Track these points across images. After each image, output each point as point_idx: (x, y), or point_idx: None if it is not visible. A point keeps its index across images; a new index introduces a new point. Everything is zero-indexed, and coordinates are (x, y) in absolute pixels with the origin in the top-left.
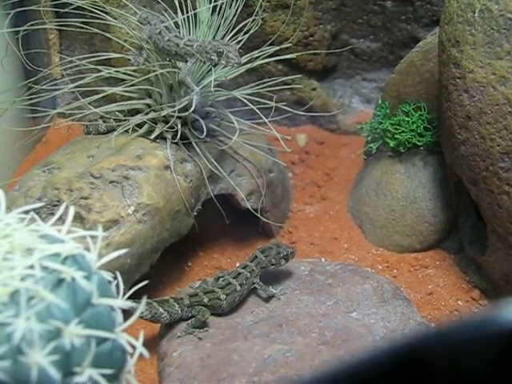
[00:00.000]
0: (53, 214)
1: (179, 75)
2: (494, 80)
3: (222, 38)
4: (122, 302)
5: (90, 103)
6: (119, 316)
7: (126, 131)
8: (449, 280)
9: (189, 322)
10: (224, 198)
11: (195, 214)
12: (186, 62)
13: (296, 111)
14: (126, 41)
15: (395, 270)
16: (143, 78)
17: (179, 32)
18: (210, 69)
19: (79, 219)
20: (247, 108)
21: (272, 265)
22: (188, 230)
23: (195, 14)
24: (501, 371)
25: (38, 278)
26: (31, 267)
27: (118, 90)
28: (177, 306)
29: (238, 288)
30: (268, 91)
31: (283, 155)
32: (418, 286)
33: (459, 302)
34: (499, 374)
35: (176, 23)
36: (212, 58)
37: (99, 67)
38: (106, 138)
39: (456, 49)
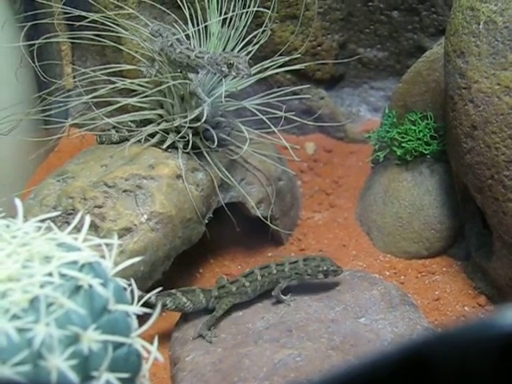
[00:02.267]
0: (68, 223)
1: (190, 86)
2: (498, 90)
3: (232, 50)
4: (137, 308)
5: (102, 114)
6: (134, 322)
7: (139, 141)
8: (455, 286)
9: (204, 321)
10: (234, 206)
11: (206, 221)
12: (197, 73)
13: (304, 120)
14: (137, 52)
15: (403, 277)
16: (156, 89)
17: (190, 44)
18: (221, 79)
19: (93, 227)
20: (256, 118)
21: (308, 275)
22: (199, 238)
23: (206, 26)
24: (501, 373)
25: (56, 285)
26: (50, 275)
27: (131, 101)
28: (201, 295)
29: (259, 278)
30: (277, 101)
31: (292, 164)
32: (425, 292)
33: (466, 308)
34: (500, 375)
35: (187, 35)
36: (222, 69)
37: (112, 78)
38: (119, 148)
39: (461, 59)
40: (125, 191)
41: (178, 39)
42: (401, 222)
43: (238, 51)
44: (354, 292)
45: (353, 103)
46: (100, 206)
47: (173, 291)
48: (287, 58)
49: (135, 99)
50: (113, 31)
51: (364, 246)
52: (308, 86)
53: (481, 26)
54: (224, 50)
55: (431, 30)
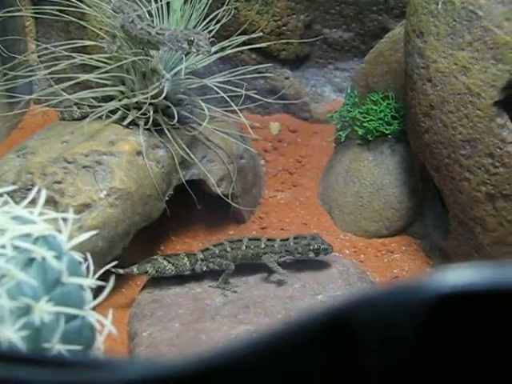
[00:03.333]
0: (26, 198)
1: (151, 63)
2: (455, 70)
3: (194, 27)
4: (90, 281)
5: (64, 90)
6: (89, 295)
7: (100, 117)
8: (414, 264)
9: (220, 279)
10: (196, 184)
11: (167, 198)
12: (158, 49)
13: (268, 99)
14: (100, 29)
15: (362, 255)
16: (116, 65)
17: (152, 21)
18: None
19: (52, 203)
20: (221, 96)
21: (298, 253)
22: (159, 215)
23: (168, 3)
24: (426, 337)
25: (9, 257)
26: (2, 247)
27: (91, 76)
28: (186, 258)
29: (244, 248)
30: (241, 79)
31: (256, 143)
32: (384, 271)
33: None
34: (424, 341)
35: (149, 12)
36: (183, 46)
37: (74, 54)
38: (79, 124)
39: (420, 39)
40: (84, 167)
41: (139, 15)
42: (361, 202)
43: (201, 29)
44: (313, 269)
45: (317, 83)
46: (59, 182)
47: (154, 257)
48: (249, 36)
49: (93, 75)
50: (76, 7)
51: (325, 225)
52: (272, 65)
53: (439, 6)
54: (186, 27)
55: (396, 11)
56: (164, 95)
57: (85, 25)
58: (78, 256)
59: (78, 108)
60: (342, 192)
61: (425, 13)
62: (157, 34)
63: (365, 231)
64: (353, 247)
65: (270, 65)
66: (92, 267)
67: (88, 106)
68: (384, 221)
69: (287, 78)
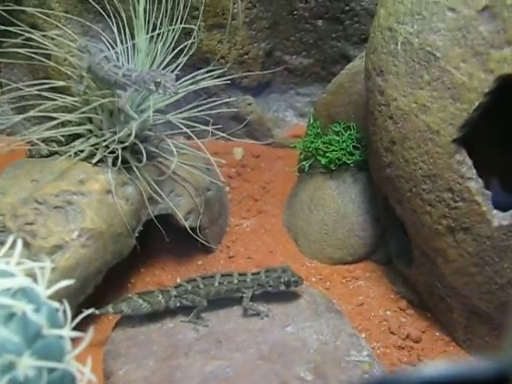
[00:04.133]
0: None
1: (119, 103)
2: (415, 108)
3: (161, 64)
4: (70, 333)
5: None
6: (68, 343)
7: (69, 155)
8: (378, 291)
9: (191, 314)
10: (164, 217)
11: (136, 235)
12: (125, 90)
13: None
14: (65, 60)
15: (328, 282)
16: (87, 107)
17: (118, 61)
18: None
19: (25, 245)
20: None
21: (270, 286)
22: (130, 251)
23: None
24: None
25: None
26: None
27: (60, 115)
28: (160, 296)
29: (216, 284)
30: (205, 108)
31: (221, 170)
32: (349, 298)
33: (388, 313)
34: None
35: (114, 49)
36: (150, 87)
37: (44, 93)
38: (48, 163)
39: (381, 77)
40: (55, 207)
41: (106, 57)
42: (326, 229)
43: (167, 65)
44: (281, 300)
45: (279, 109)
46: (31, 223)
47: (129, 295)
48: (214, 68)
49: (64, 115)
50: (42, 48)
51: (291, 253)
52: (235, 92)
53: (398, 47)
54: (152, 65)
55: (354, 38)
56: (133, 136)
57: (51, 64)
58: (54, 304)
59: (46, 145)
60: (306, 220)
61: (384, 52)
62: (123, 75)
63: (330, 258)
64: (319, 274)
65: (233, 93)
66: (69, 312)
67: (56, 143)
68: (348, 248)
69: (249, 105)
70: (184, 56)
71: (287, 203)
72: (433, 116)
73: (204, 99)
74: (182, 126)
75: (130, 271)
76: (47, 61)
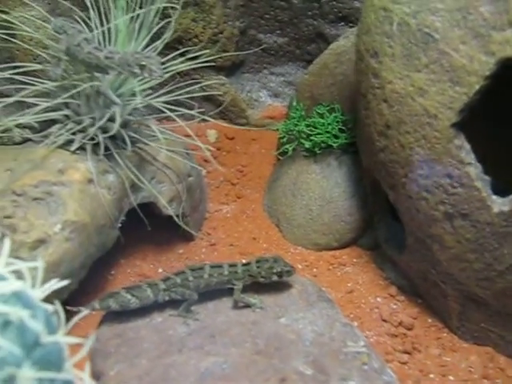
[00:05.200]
0: None
1: (100, 88)
2: (412, 91)
3: (144, 49)
4: (70, 339)
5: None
6: (65, 349)
7: (43, 141)
8: (366, 277)
9: (181, 307)
10: (144, 205)
11: (119, 225)
12: (107, 73)
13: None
14: (31, 40)
15: (315, 269)
16: (67, 95)
17: (98, 43)
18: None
19: (4, 240)
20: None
21: (262, 277)
22: (113, 243)
23: (109, 22)
24: None
25: None
26: None
27: (36, 101)
28: (148, 290)
29: (206, 276)
30: (178, 88)
31: (195, 154)
32: (338, 285)
33: (378, 299)
34: None
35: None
36: (134, 71)
37: (16, 77)
38: (21, 149)
39: (375, 59)
40: (35, 199)
41: (85, 38)
42: (311, 215)
43: (144, 48)
44: (272, 291)
45: (253, 89)
46: (10, 217)
47: (116, 290)
48: (192, 48)
49: (38, 99)
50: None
51: (274, 239)
52: (209, 72)
53: (394, 27)
54: (131, 46)
55: (331, 16)
56: (118, 123)
57: (13, 41)
58: (47, 306)
59: (19, 132)
60: (289, 205)
61: (379, 33)
62: (106, 58)
63: (315, 244)
64: (304, 261)
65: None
66: (62, 315)
67: (29, 129)
68: (334, 233)
69: (223, 85)
70: (163, 38)
71: (268, 188)
72: (431, 99)
73: (178, 81)
74: (165, 110)
75: (109, 263)
76: (14, 40)
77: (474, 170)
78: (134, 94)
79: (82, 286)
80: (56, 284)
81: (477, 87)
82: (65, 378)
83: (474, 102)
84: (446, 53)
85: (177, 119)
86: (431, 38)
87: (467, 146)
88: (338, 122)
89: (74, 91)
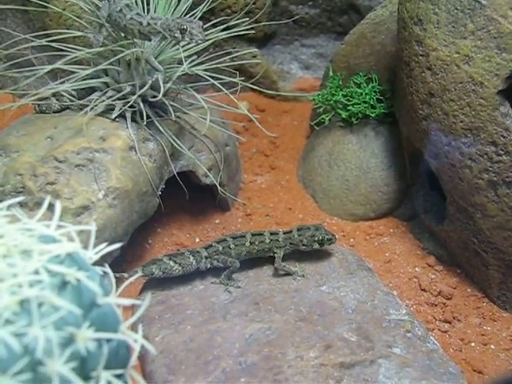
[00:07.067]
0: (19, 203)
1: (144, 54)
2: (457, 59)
3: (184, 14)
4: (127, 301)
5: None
6: (120, 312)
7: (81, 109)
8: (404, 247)
9: (223, 275)
10: (182, 175)
11: (159, 193)
12: (150, 40)
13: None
14: (64, 9)
15: (352, 239)
16: (104, 59)
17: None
18: (167, 45)
19: (48, 206)
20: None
21: (303, 245)
22: (154, 210)
23: None
24: None
25: (43, 283)
26: (36, 272)
27: (76, 68)
28: (191, 257)
29: (248, 244)
30: (210, 59)
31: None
32: (376, 255)
33: (416, 269)
34: None
35: None
36: (176, 35)
37: (53, 44)
38: (61, 117)
39: (419, 27)
40: (77, 166)
41: (127, 4)
42: (347, 185)
43: (183, 14)
44: (312, 259)
45: (284, 61)
46: (52, 183)
47: (158, 257)
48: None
49: (77, 66)
50: None
51: (310, 209)
52: (240, 44)
53: None
54: (172, 13)
55: None
56: (164, 89)
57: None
58: (99, 270)
59: (57, 100)
60: (326, 176)
61: (424, 0)
62: (148, 23)
63: (351, 214)
64: (341, 231)
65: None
66: (113, 278)
67: (68, 97)
68: (371, 204)
69: (254, 57)
70: (200, 7)
71: (302, 159)
72: (476, 67)
73: (210, 52)
74: (209, 79)
75: (146, 231)
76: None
77: None
78: (171, 63)
79: (121, 254)
80: (106, 248)
81: None
82: (121, 339)
83: None
84: (494, 19)
85: (222, 88)
86: (478, 3)
87: None
88: (375, 91)
89: (114, 58)
